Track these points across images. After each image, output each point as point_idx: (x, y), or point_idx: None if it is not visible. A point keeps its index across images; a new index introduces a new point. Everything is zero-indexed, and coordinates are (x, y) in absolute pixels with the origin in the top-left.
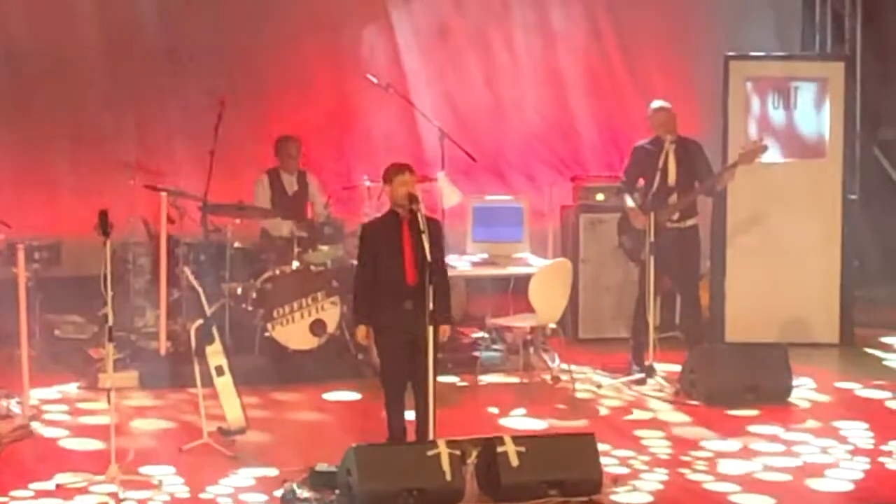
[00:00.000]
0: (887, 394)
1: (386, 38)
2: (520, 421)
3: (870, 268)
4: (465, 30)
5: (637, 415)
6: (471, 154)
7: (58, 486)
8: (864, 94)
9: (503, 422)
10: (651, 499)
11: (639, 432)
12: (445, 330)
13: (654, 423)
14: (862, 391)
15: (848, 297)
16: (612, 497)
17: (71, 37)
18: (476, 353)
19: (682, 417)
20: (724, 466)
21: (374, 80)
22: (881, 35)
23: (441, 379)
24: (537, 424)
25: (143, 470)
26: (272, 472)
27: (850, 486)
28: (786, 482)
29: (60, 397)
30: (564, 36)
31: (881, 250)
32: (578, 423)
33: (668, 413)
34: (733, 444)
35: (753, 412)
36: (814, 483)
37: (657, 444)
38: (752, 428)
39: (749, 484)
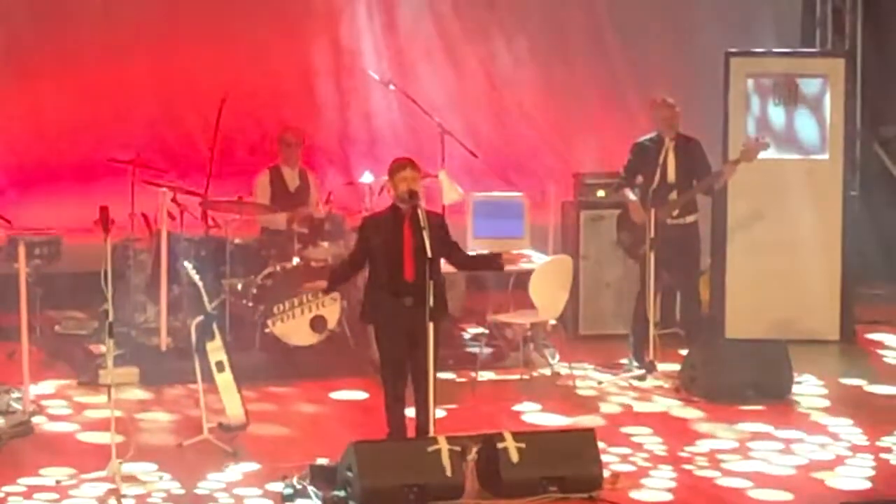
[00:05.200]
0: (886, 390)
1: (387, 35)
2: (520, 418)
3: (870, 264)
4: (465, 26)
5: (637, 411)
6: (471, 150)
7: (58, 481)
8: (864, 91)
9: (503, 419)
10: (650, 495)
11: (638, 429)
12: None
13: (654, 420)
14: (862, 388)
15: (848, 293)
16: (612, 494)
17: (72, 31)
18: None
19: (682, 414)
20: (725, 463)
21: (376, 77)
22: (882, 31)
23: (441, 375)
24: (537, 421)
25: (143, 466)
26: (272, 468)
27: (849, 484)
28: (786, 479)
29: (61, 393)
30: (566, 32)
31: (882, 247)
32: (578, 420)
33: (668, 409)
34: (734, 441)
35: (754, 409)
36: (815, 479)
37: (657, 440)
38: (752, 425)
39: (748, 481)
